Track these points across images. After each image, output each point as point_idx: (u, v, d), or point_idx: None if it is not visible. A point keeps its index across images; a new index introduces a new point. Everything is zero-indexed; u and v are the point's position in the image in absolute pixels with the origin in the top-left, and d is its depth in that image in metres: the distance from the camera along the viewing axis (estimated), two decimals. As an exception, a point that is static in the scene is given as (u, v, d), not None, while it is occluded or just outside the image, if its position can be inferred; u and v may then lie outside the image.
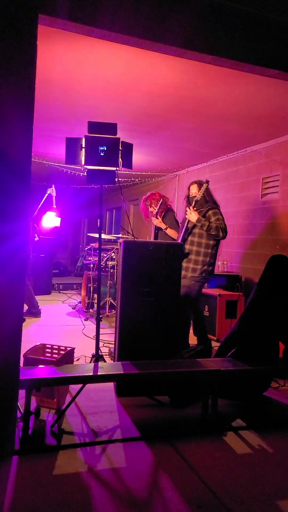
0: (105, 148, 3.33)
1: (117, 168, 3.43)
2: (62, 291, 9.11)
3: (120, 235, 7.03)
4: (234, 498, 2.03)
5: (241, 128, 5.43)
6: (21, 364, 2.61)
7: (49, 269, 8.58)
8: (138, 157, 7.31)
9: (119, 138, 3.38)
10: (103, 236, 6.76)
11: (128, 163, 3.46)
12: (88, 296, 6.56)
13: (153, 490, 2.08)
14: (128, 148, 3.46)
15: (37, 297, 6.37)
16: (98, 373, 2.72)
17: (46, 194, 5.35)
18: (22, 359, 2.67)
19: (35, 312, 6.09)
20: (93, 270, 6.99)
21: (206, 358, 3.53)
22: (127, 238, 6.12)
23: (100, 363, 3.15)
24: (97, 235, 4.39)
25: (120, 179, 3.67)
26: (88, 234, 9.49)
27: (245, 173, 6.54)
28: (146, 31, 2.45)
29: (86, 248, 8.14)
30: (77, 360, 3.83)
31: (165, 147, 6.71)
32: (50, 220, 7.09)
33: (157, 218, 4.64)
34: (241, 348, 3.21)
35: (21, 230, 2.35)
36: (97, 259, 6.73)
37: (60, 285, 9.38)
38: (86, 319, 6.05)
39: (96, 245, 7.37)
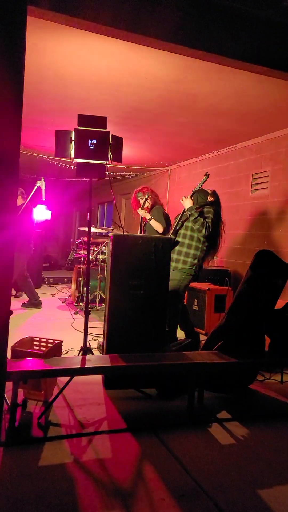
0: (95, 142, 3.33)
1: (107, 162, 3.43)
2: (52, 285, 9.10)
3: (111, 229, 7.04)
4: (217, 487, 2.08)
5: (232, 124, 5.45)
6: (9, 356, 2.62)
7: (39, 262, 8.56)
8: (129, 151, 7.31)
9: (109, 132, 3.38)
10: (93, 229, 6.77)
11: (117, 157, 3.46)
12: (78, 289, 6.56)
13: (138, 480, 2.12)
14: (118, 142, 3.46)
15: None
16: (86, 366, 2.74)
17: (36, 187, 5.32)
18: (9, 351, 2.68)
19: (36, 303, 6.29)
20: (83, 263, 6.98)
21: (193, 351, 3.57)
22: (118, 232, 6.12)
23: (88, 356, 3.17)
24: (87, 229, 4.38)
25: (110, 173, 3.67)
26: (79, 228, 9.47)
27: (235, 168, 6.57)
28: (132, 23, 2.45)
29: (77, 242, 8.12)
30: (66, 353, 3.84)
31: (156, 141, 6.71)
32: (41, 213, 7.06)
33: (142, 209, 4.68)
34: (227, 342, 3.25)
35: (9, 224, 2.34)
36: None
37: (51, 279, 9.37)
38: (76, 313, 6.07)
39: (86, 239, 7.37)
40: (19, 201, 5.64)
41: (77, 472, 2.14)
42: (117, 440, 2.50)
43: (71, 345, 4.01)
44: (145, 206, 4.74)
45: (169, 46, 2.69)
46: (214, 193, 4.24)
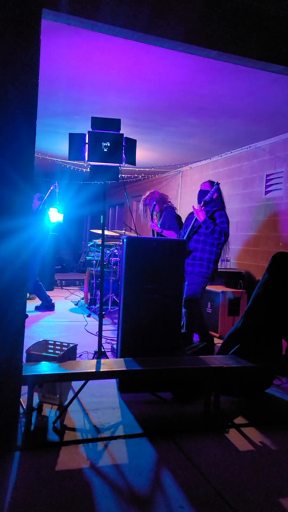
0: (108, 144, 3.31)
1: (121, 165, 3.41)
2: (64, 287, 9.12)
3: (123, 231, 7.02)
4: (237, 496, 2.03)
5: (245, 124, 5.40)
6: (24, 360, 2.62)
7: (51, 265, 8.59)
8: (141, 153, 7.29)
9: (122, 134, 3.36)
10: (105, 232, 6.75)
11: (131, 160, 3.44)
12: (90, 292, 6.56)
13: (156, 487, 2.08)
14: (131, 144, 3.44)
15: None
16: (101, 370, 2.72)
17: (49, 190, 5.34)
18: (25, 355, 2.67)
19: (49, 305, 6.32)
20: (95, 266, 6.98)
21: (208, 355, 3.53)
22: (130, 234, 6.11)
23: (103, 360, 3.14)
24: (100, 231, 4.37)
25: (123, 175, 3.66)
26: (91, 230, 9.47)
27: (248, 169, 6.51)
28: (148, 25, 2.43)
29: (89, 244, 8.13)
30: (80, 356, 3.83)
31: (169, 143, 6.69)
32: (53, 216, 7.10)
33: (153, 222, 4.66)
34: (244, 345, 3.20)
35: (24, 226, 2.34)
36: (100, 255, 6.72)
37: (63, 281, 9.39)
38: (89, 316, 6.06)
39: (99, 241, 7.36)
40: (35, 205, 5.67)
41: (94, 478, 2.12)
42: (133, 445, 2.47)
43: (85, 348, 4.00)
44: (154, 215, 4.72)
45: (184, 47, 2.67)
46: (213, 185, 4.14)
